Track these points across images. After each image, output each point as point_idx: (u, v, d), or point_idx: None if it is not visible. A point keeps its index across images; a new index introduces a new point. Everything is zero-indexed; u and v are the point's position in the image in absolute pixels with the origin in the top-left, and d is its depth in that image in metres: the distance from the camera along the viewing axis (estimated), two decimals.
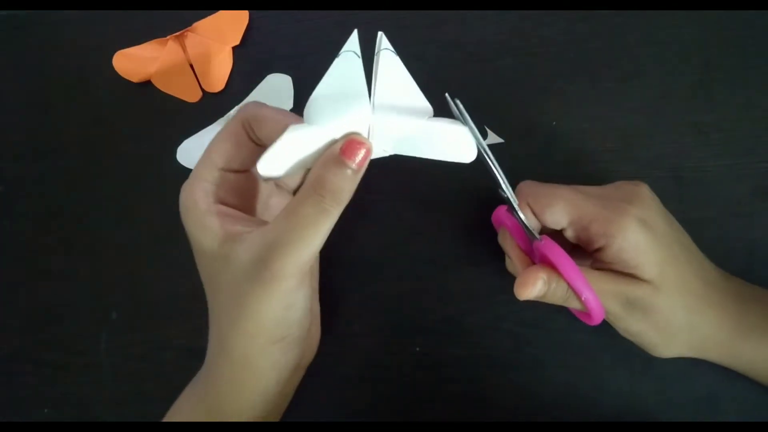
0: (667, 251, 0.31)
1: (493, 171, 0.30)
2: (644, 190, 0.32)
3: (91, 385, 0.40)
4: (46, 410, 0.40)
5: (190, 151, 0.42)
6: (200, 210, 0.29)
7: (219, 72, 0.43)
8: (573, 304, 0.31)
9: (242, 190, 0.31)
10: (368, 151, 0.27)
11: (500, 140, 0.39)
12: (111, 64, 0.43)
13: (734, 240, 0.37)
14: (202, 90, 0.43)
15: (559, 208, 0.31)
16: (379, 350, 0.38)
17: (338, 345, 0.38)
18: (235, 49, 0.43)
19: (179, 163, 0.41)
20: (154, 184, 0.42)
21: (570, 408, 0.36)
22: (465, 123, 0.28)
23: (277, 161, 0.27)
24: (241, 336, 0.29)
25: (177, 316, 0.40)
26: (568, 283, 0.30)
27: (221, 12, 0.43)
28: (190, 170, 0.41)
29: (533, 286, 0.30)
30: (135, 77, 0.43)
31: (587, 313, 0.31)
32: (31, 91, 0.44)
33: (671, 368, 0.36)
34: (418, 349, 0.38)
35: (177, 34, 0.43)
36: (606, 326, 0.36)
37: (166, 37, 0.43)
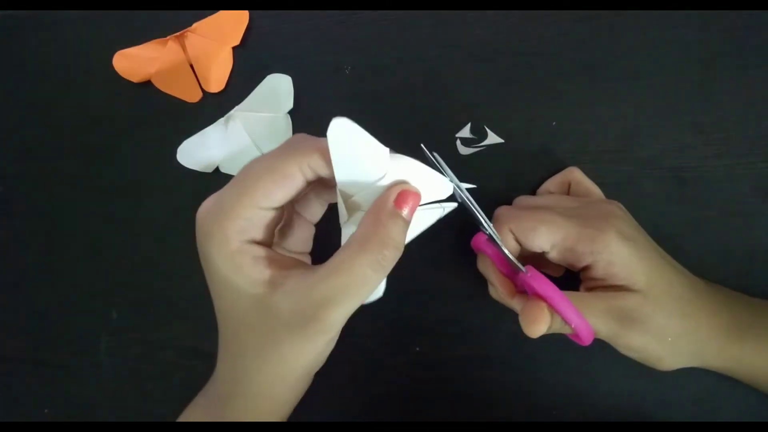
0: (651, 261, 0.32)
1: (473, 211, 0.30)
2: (617, 208, 0.33)
3: (91, 385, 0.40)
4: (46, 410, 0.40)
5: (190, 151, 0.42)
6: (232, 248, 0.27)
7: (219, 72, 0.43)
8: (566, 330, 0.31)
9: (274, 225, 0.29)
10: (418, 198, 0.27)
11: (500, 140, 0.39)
12: (111, 64, 0.43)
13: (734, 240, 0.37)
14: (202, 90, 0.43)
15: (542, 232, 0.32)
16: (379, 350, 0.38)
17: (338, 345, 0.38)
18: (235, 49, 0.43)
19: (179, 163, 0.41)
20: (154, 184, 0.42)
21: (569, 408, 0.36)
22: (446, 173, 0.29)
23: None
24: (269, 377, 0.29)
25: (177, 316, 0.40)
26: (559, 313, 0.30)
27: (221, 12, 0.43)
28: (190, 170, 0.42)
29: (544, 320, 0.29)
30: (135, 77, 0.43)
31: (577, 336, 0.31)
32: (31, 91, 0.44)
33: None
34: (418, 349, 0.38)
35: (177, 34, 0.43)
36: None
37: (166, 37, 0.43)
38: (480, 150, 0.39)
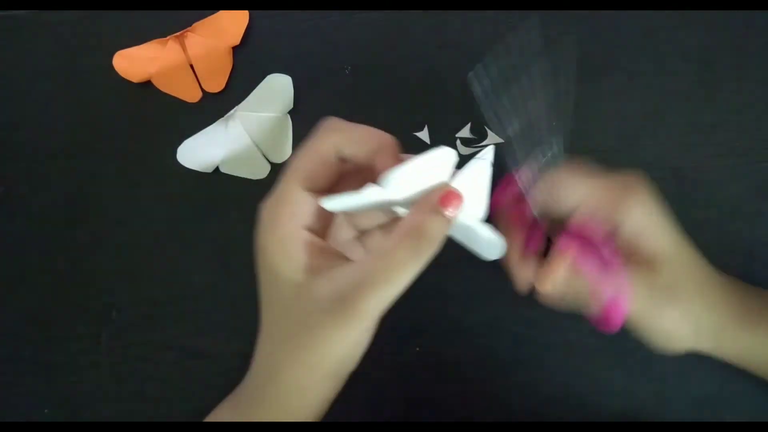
0: (677, 235, 0.31)
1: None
2: (642, 179, 0.33)
3: (91, 385, 0.40)
4: (46, 410, 0.40)
5: (190, 151, 0.42)
6: (285, 234, 0.28)
7: (219, 72, 0.43)
8: (582, 303, 0.30)
9: (320, 216, 0.30)
10: (461, 202, 0.28)
11: (500, 140, 0.39)
12: (111, 64, 0.43)
13: (734, 240, 0.37)
14: (202, 90, 0.43)
15: (571, 183, 0.31)
16: (379, 350, 0.38)
17: None
18: (235, 49, 0.43)
19: (179, 163, 0.41)
20: (154, 184, 0.42)
21: (569, 408, 0.36)
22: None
23: (342, 204, 0.28)
24: (299, 366, 0.29)
25: (177, 316, 0.40)
26: (598, 276, 0.29)
27: (221, 12, 0.43)
28: (190, 170, 0.42)
29: (558, 272, 0.29)
30: (135, 77, 0.43)
31: (605, 318, 0.30)
32: (31, 91, 0.44)
33: (671, 368, 0.36)
34: (418, 349, 0.38)
35: (177, 34, 0.43)
36: None
37: (166, 37, 0.43)
38: (480, 150, 0.39)
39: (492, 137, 0.39)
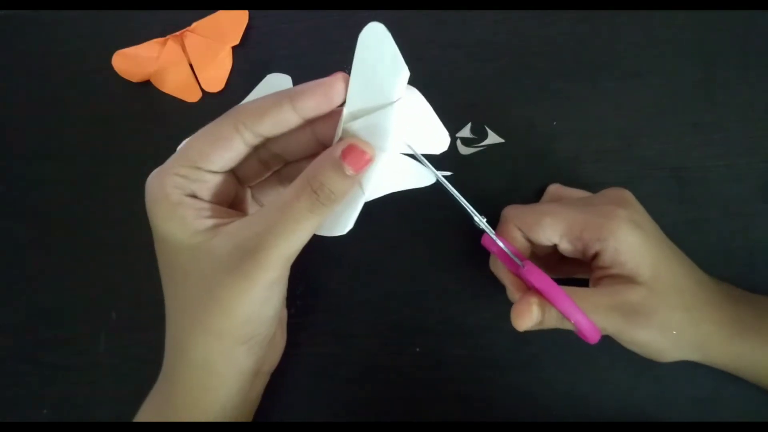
0: (658, 251, 0.31)
1: (462, 205, 0.30)
2: (629, 195, 0.33)
3: (91, 385, 0.40)
4: (45, 410, 0.40)
5: None
6: (172, 202, 0.27)
7: (218, 72, 0.42)
8: (569, 326, 0.31)
9: (219, 192, 0.29)
10: (370, 159, 0.27)
11: (500, 140, 0.39)
12: (110, 64, 0.43)
13: (734, 240, 0.37)
14: (202, 90, 0.43)
15: (548, 223, 0.31)
16: (379, 350, 0.38)
17: (338, 345, 0.38)
18: (234, 49, 0.43)
19: None
20: None
21: (570, 408, 0.36)
22: (425, 166, 0.29)
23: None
24: (207, 335, 0.28)
25: None
26: (557, 307, 0.29)
27: (221, 12, 0.43)
28: None
29: (529, 315, 0.29)
30: (134, 77, 0.43)
31: (582, 335, 0.30)
32: (31, 91, 0.44)
33: (671, 368, 0.36)
34: (418, 349, 0.38)
35: (176, 34, 0.43)
36: None
37: (165, 37, 0.43)
38: (480, 150, 0.39)
39: (492, 137, 0.39)
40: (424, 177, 0.29)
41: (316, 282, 0.39)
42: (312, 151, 0.30)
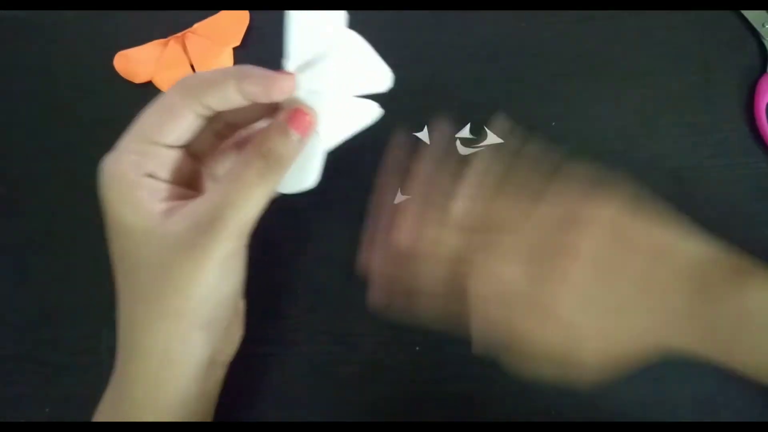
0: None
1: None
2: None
3: (92, 384, 0.40)
4: (46, 410, 0.40)
5: None
6: (128, 183, 0.27)
7: None
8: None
9: (176, 169, 0.29)
10: (312, 122, 0.27)
11: (499, 140, 0.39)
12: (112, 64, 0.43)
13: (734, 240, 0.37)
14: None
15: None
16: (379, 350, 0.38)
17: (338, 345, 0.38)
18: (235, 49, 0.43)
19: None
20: None
21: (569, 408, 0.36)
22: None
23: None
24: (162, 319, 0.27)
25: None
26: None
27: (222, 12, 0.43)
28: None
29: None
30: (136, 78, 0.43)
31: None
32: (31, 91, 0.44)
33: (671, 368, 0.36)
34: (417, 348, 0.38)
35: (178, 34, 0.43)
36: None
37: (167, 37, 0.43)
38: (480, 150, 0.40)
39: (492, 137, 0.39)
40: (372, 111, 0.30)
41: (316, 282, 0.39)
42: (265, 115, 0.30)
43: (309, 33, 0.28)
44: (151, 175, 0.28)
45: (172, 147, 0.28)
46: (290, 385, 0.38)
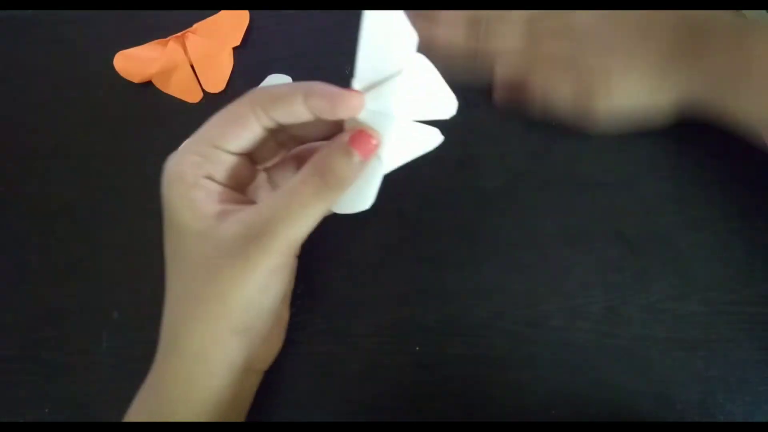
0: None
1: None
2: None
3: (92, 384, 0.40)
4: (46, 410, 0.40)
5: None
6: (187, 183, 0.27)
7: (219, 72, 0.43)
8: None
9: (235, 174, 0.29)
10: (376, 145, 0.27)
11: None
12: (112, 64, 0.43)
13: (734, 240, 0.37)
14: (203, 90, 0.43)
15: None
16: (379, 350, 0.38)
17: (338, 345, 0.38)
18: (235, 49, 0.43)
19: None
20: (154, 185, 0.42)
21: (569, 408, 0.36)
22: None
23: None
24: (200, 321, 0.27)
25: None
26: None
27: (222, 12, 0.43)
28: None
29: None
30: (136, 78, 0.43)
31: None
32: (31, 91, 0.44)
33: (671, 368, 0.36)
34: (418, 348, 0.38)
35: (178, 34, 0.43)
36: (606, 325, 0.36)
37: (166, 37, 0.43)
38: (479, 150, 0.40)
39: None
40: (433, 138, 0.30)
41: (316, 282, 0.39)
42: (329, 133, 0.30)
43: (379, 51, 0.27)
44: (209, 177, 0.28)
45: (233, 153, 0.29)
46: (290, 384, 0.38)
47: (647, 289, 0.37)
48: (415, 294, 0.39)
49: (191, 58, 0.43)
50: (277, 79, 0.42)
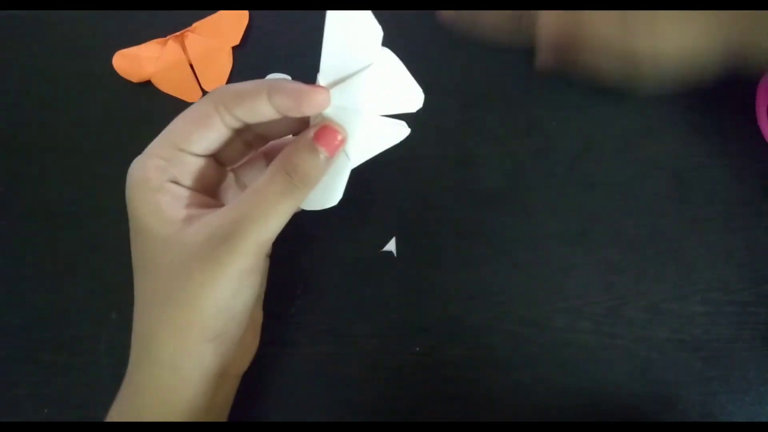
0: None
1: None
2: None
3: (92, 385, 0.40)
4: (46, 410, 0.40)
5: None
6: (151, 187, 0.27)
7: (219, 72, 0.43)
8: None
9: (202, 177, 0.29)
10: (342, 140, 0.27)
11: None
12: (111, 64, 0.43)
13: (735, 240, 0.37)
14: (202, 90, 0.43)
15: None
16: (379, 350, 0.38)
17: (338, 345, 0.38)
18: (235, 49, 0.43)
19: None
20: None
21: (569, 408, 0.36)
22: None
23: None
24: (172, 329, 0.27)
25: None
26: None
27: (221, 12, 0.43)
28: None
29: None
30: (135, 77, 0.43)
31: None
32: (31, 91, 0.44)
33: (672, 369, 0.36)
34: (418, 349, 0.38)
35: (177, 34, 0.43)
36: (605, 325, 0.36)
37: (166, 37, 0.43)
38: (479, 150, 0.39)
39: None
40: (400, 131, 0.30)
41: (316, 282, 0.39)
42: (297, 129, 0.29)
43: (343, 47, 0.27)
44: (175, 181, 0.27)
45: (198, 155, 0.28)
46: (290, 385, 0.38)
47: (648, 290, 0.37)
48: (415, 294, 0.38)
49: (190, 57, 0.43)
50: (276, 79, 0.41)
